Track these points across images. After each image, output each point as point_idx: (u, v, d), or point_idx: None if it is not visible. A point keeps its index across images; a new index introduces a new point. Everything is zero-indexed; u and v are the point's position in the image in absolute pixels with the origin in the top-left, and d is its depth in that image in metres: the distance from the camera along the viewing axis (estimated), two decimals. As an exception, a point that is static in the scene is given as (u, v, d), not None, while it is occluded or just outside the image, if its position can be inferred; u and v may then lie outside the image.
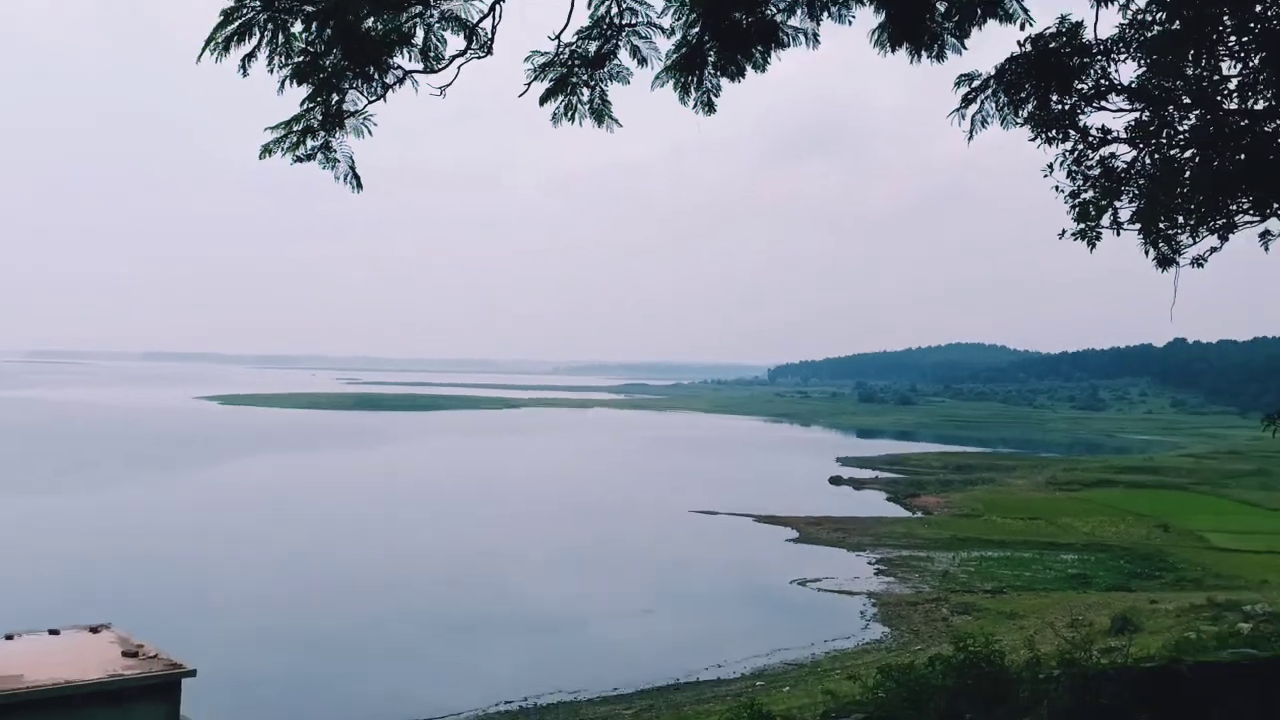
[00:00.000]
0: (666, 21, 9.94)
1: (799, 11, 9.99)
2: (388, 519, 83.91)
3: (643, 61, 10.11)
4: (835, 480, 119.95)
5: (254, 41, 8.53)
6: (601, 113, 10.29)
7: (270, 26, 8.53)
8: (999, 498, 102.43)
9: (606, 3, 9.77)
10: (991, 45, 11.92)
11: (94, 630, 21.24)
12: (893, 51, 10.34)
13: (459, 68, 9.64)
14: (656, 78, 10.21)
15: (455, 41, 9.57)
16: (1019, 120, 11.81)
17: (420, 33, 9.40)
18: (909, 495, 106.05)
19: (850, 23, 10.18)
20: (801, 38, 10.03)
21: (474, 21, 9.46)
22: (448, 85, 9.64)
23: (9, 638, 19.82)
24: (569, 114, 10.27)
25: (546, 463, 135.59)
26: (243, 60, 8.56)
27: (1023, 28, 10.76)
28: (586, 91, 10.20)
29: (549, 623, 53.46)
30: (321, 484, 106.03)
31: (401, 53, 9.36)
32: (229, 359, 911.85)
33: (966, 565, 69.56)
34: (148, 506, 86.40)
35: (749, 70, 10.18)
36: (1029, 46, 11.40)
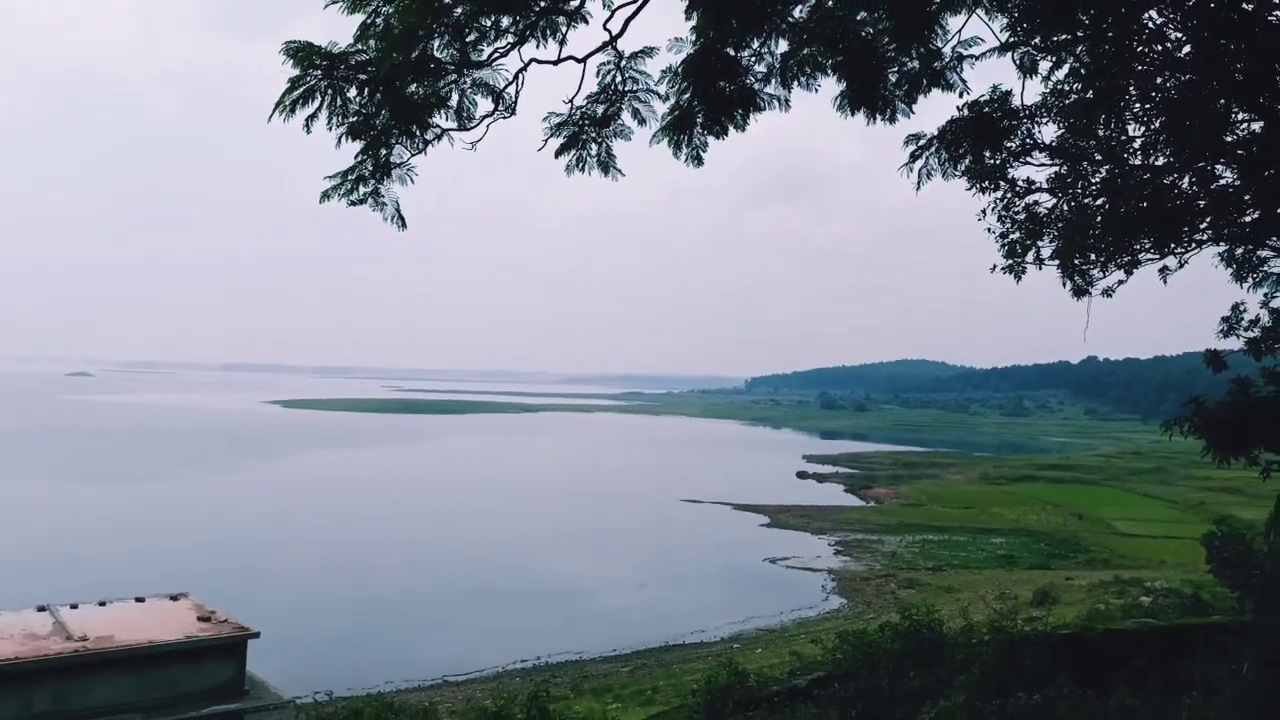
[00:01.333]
0: (662, 89, 10.01)
1: (773, 81, 10.07)
2: (421, 505, 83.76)
3: (642, 121, 10.15)
4: (801, 475, 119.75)
5: (315, 104, 8.56)
6: (607, 164, 10.33)
7: (330, 92, 8.55)
8: (940, 490, 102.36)
9: (612, 73, 9.82)
10: (935, 110, 11.97)
11: (173, 598, 21.20)
12: (852, 114, 10.39)
13: (488, 126, 9.69)
14: (654, 136, 10.23)
15: (484, 104, 9.63)
16: (958, 173, 11.86)
17: (455, 97, 9.45)
18: (864, 487, 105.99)
19: (816, 90, 10.26)
20: (775, 102, 10.10)
21: (500, 87, 9.51)
22: (478, 140, 9.67)
23: (102, 604, 19.76)
24: (580, 165, 10.30)
25: (558, 458, 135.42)
26: (306, 120, 8.57)
27: (961, 95, 10.86)
28: (595, 146, 10.24)
29: (558, 593, 53.37)
30: (366, 475, 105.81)
31: (439, 114, 9.39)
32: (293, 369, 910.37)
33: (912, 547, 69.45)
34: (221, 493, 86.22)
35: (731, 129, 10.21)
36: (966, 111, 11.46)
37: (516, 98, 9.57)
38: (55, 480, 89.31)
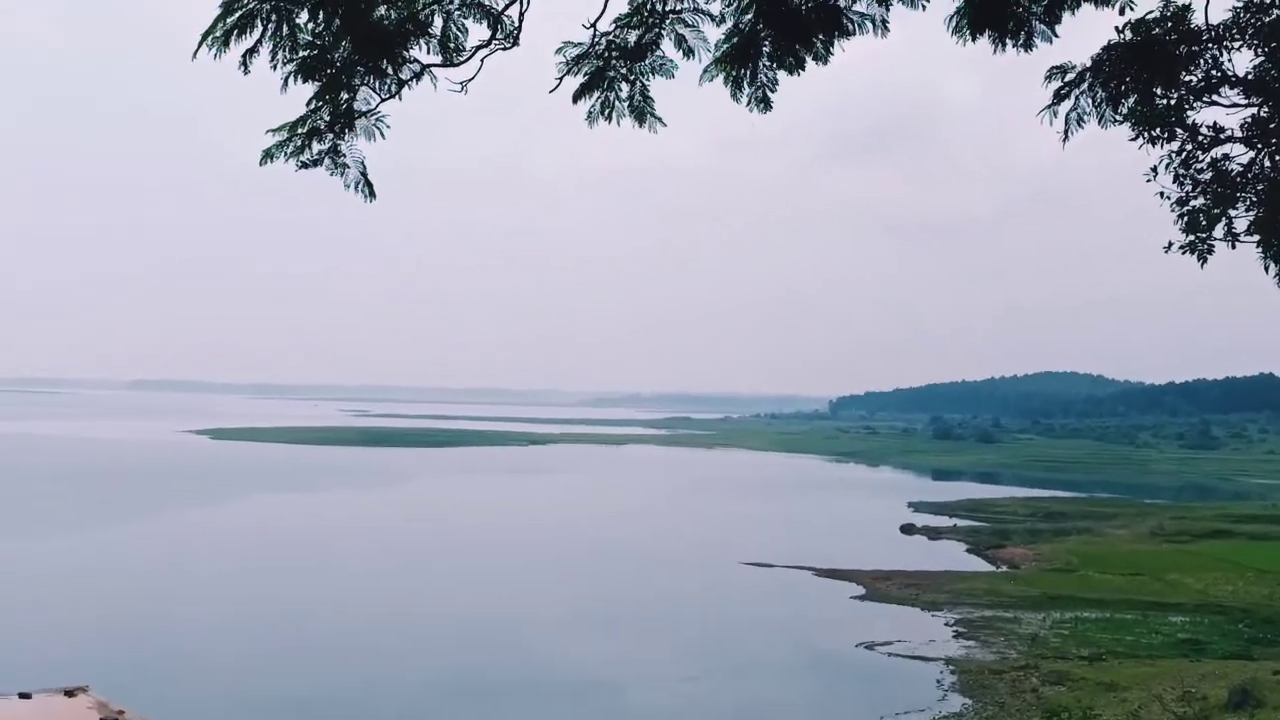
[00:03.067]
0: (715, 8, 9.96)
1: (865, -6, 9.98)
2: (393, 570, 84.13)
3: (689, 53, 10.13)
4: (907, 529, 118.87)
5: (256, 35, 8.67)
6: (642, 110, 10.32)
7: (274, 18, 8.67)
8: (1096, 550, 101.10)
9: (649, -15, 9.82)
10: (1086, 32, 11.82)
11: (70, 693, 21.52)
12: (973, 40, 10.28)
13: (482, 60, 9.71)
14: (705, 71, 10.20)
15: (477, 31, 9.64)
16: (1118, 117, 11.66)
17: (439, 22, 9.49)
18: (992, 546, 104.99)
19: (924, 8, 10.09)
20: (868, 24, 9.98)
21: (499, 8, 9.53)
22: (470, 80, 9.71)
23: (-26, 701, 20.09)
24: (606, 112, 10.30)
25: (576, 506, 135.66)
26: (243, 56, 8.70)
27: (1122, 12, 10.65)
28: (626, 87, 10.23)
29: (576, 688, 53.30)
30: (320, 531, 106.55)
31: (418, 44, 9.44)
32: (222, 388, 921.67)
33: (1059, 628, 68.66)
34: (129, 553, 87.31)
35: (809, 61, 10.17)
36: (1129, 33, 11.28)
37: (520, 22, 9.61)
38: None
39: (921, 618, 71.51)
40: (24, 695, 20.31)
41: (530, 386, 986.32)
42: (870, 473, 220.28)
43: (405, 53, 9.33)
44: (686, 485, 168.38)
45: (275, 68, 8.90)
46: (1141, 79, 11.50)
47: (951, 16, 10.23)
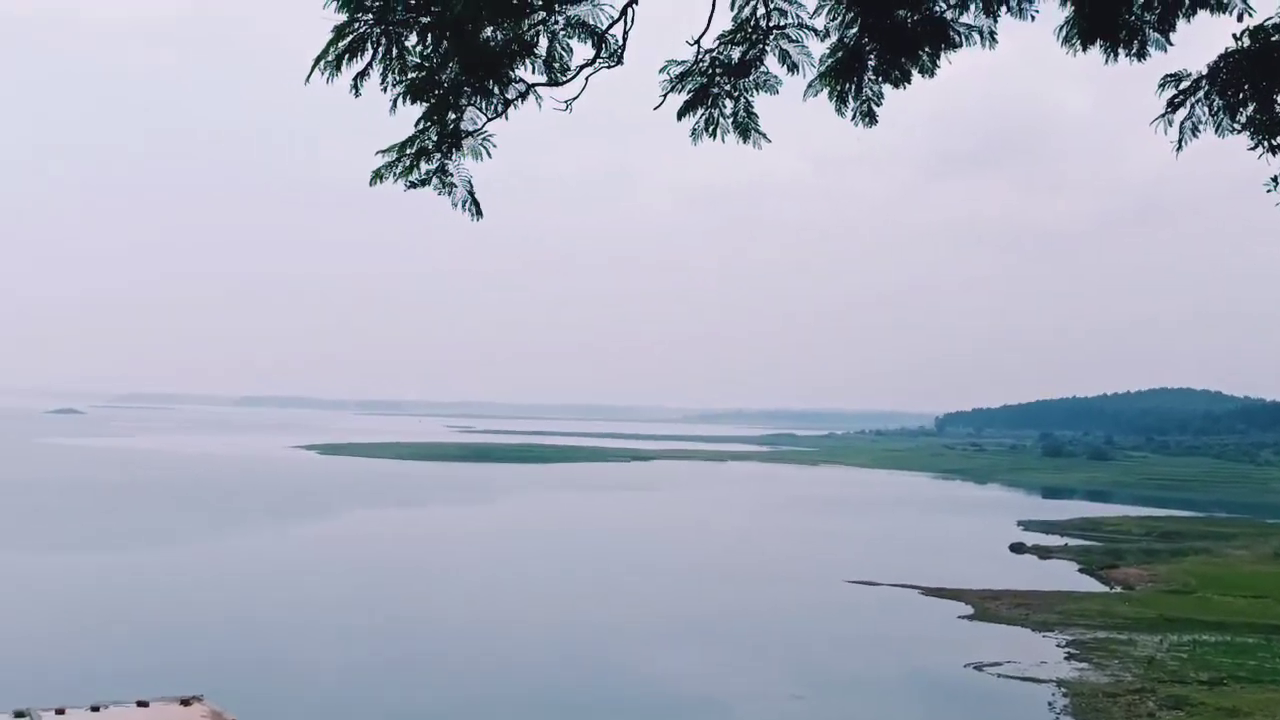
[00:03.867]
0: (820, 22, 9.95)
1: (972, 7, 9.90)
2: (496, 583, 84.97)
3: (793, 68, 10.14)
4: (1017, 547, 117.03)
5: (367, 58, 8.88)
6: (746, 126, 10.36)
7: (384, 41, 8.87)
8: (1216, 571, 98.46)
9: (752, 3, 9.85)
10: (1201, 39, 11.59)
11: (185, 703, 22.07)
12: (1084, 50, 10.15)
13: (586, 79, 9.82)
14: (809, 86, 10.22)
15: (581, 50, 9.76)
16: (1235, 125, 11.42)
17: (544, 42, 9.61)
18: (1105, 566, 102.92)
19: (1033, 18, 10.03)
20: (976, 36, 9.93)
21: (603, 27, 9.62)
22: (574, 98, 9.84)
23: (95, 709, 20.72)
24: (710, 129, 10.35)
25: (678, 522, 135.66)
26: (355, 79, 8.91)
27: (1240, 18, 10.44)
28: (730, 103, 10.28)
29: (683, 705, 53.27)
30: (425, 543, 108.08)
31: (524, 64, 9.58)
32: (330, 404, 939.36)
33: (1177, 651, 66.91)
34: (243, 565, 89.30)
35: (915, 75, 10.13)
36: (1248, 40, 11.06)
37: (624, 41, 9.69)
38: (27, 549, 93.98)
39: (1032, 638, 70.25)
40: (141, 704, 20.89)
41: (633, 403, 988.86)
42: (978, 490, 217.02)
43: (511, 73, 9.48)
44: (789, 502, 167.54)
45: (385, 90, 9.10)
46: (1261, 86, 11.24)
47: (1061, 27, 10.11)
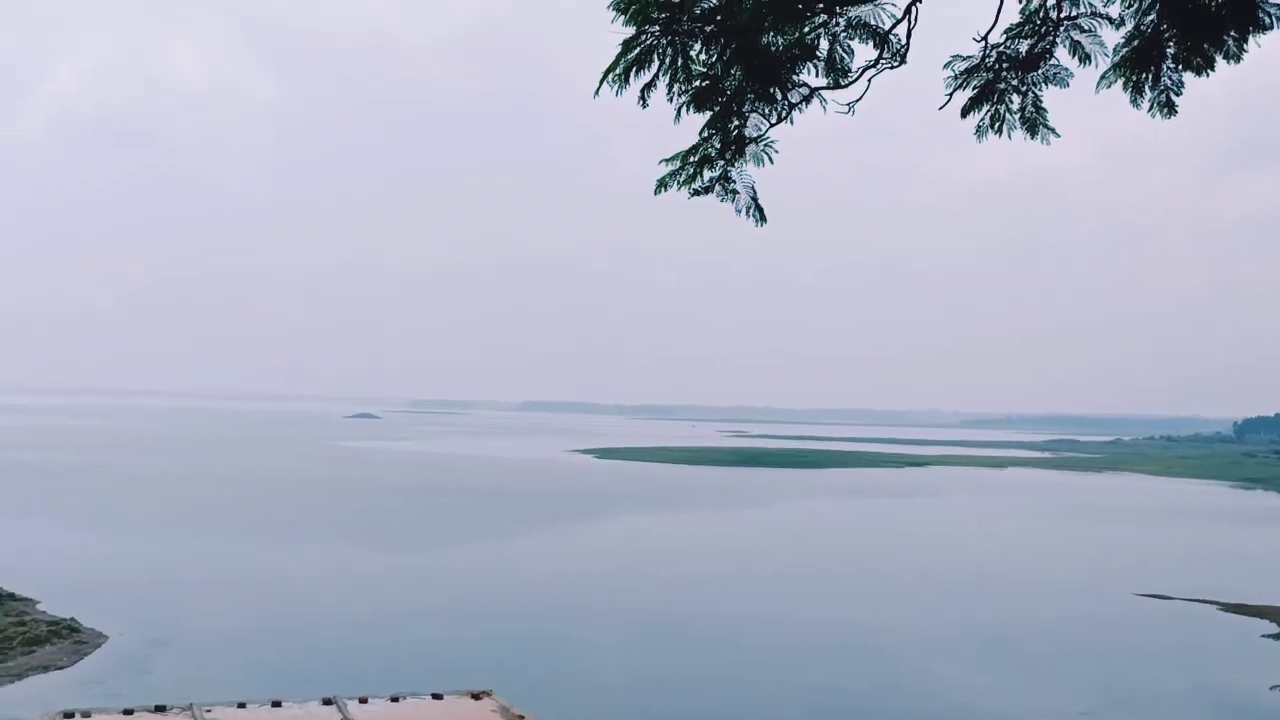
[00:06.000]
0: (1114, 10, 9.61)
1: (1285, -16, 9.30)
2: (773, 590, 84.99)
3: (1085, 59, 9.83)
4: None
5: (654, 69, 9.09)
6: (1034, 122, 10.11)
7: (670, 51, 9.06)
8: None
9: (1042, -6, 9.58)
10: None
11: (475, 697, 23.07)
12: None
13: (869, 80, 9.78)
14: (1102, 77, 9.86)
15: (863, 51, 9.72)
16: None
17: (824, 44, 9.61)
18: None
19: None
20: (1288, 15, 9.33)
21: (885, 27, 9.56)
22: (857, 100, 9.79)
23: (395, 699, 21.95)
24: (996, 125, 10.15)
25: (955, 529, 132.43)
26: (642, 90, 9.14)
27: None
28: (1016, 98, 10.05)
29: None
30: (703, 547, 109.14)
31: (806, 68, 9.60)
32: (605, 409, 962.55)
33: None
34: (527, 565, 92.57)
35: (1219, 60, 9.61)
36: None
37: (908, 40, 9.61)
38: (329, 544, 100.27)
39: (1348, 662, 65.19)
40: (436, 696, 21.94)
41: (907, 407, 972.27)
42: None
43: (794, 77, 9.52)
44: (1073, 511, 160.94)
45: (671, 99, 9.30)
46: None
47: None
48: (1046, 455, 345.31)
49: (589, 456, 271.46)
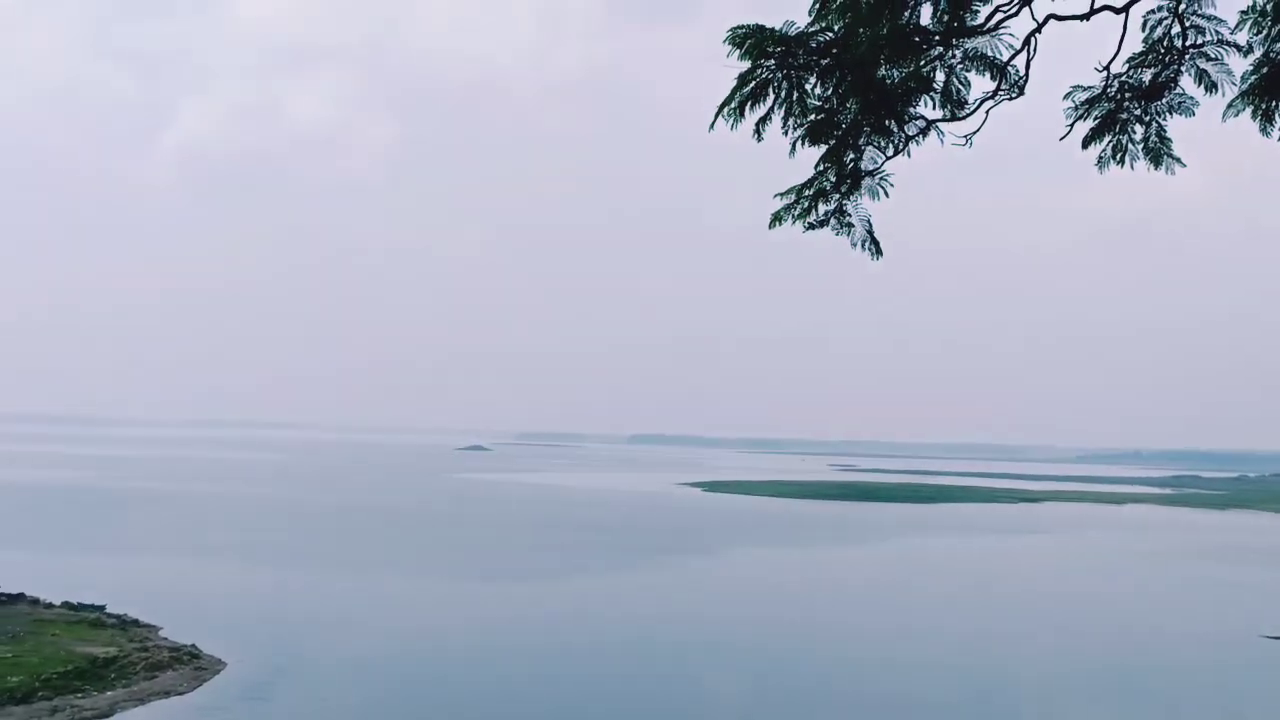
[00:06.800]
0: (1242, 37, 9.34)
1: None
2: (891, 629, 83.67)
3: (1210, 88, 9.57)
4: None
5: (769, 103, 9.06)
6: (1159, 152, 9.87)
7: (785, 85, 9.02)
8: None
9: (1166, 22, 9.36)
10: None
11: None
12: None
13: (987, 111, 9.64)
14: (1229, 105, 9.59)
15: (980, 83, 9.59)
16: None
17: (941, 76, 9.51)
18: None
19: None
20: None
21: (1004, 59, 9.43)
22: (974, 132, 9.66)
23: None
24: (1118, 156, 9.94)
25: (1070, 568, 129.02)
26: (757, 124, 9.11)
27: None
28: (1140, 128, 9.82)
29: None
30: (815, 587, 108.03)
31: (922, 100, 9.50)
32: (714, 442, 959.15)
33: None
34: (640, 602, 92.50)
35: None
36: None
37: (1027, 71, 9.46)
38: (447, 578, 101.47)
39: None
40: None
41: (1021, 442, 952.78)
42: None
43: (910, 109, 9.43)
44: (1196, 550, 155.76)
45: (786, 133, 9.25)
46: None
47: None
48: (1167, 492, 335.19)
49: (697, 490, 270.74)
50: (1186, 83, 9.67)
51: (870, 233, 9.77)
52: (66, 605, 73.23)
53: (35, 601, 73.83)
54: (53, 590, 77.13)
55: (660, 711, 55.31)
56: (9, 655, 57.46)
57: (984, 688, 64.39)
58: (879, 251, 9.85)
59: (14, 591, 74.58)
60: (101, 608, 73.06)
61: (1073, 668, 70.72)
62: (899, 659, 71.08)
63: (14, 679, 53.11)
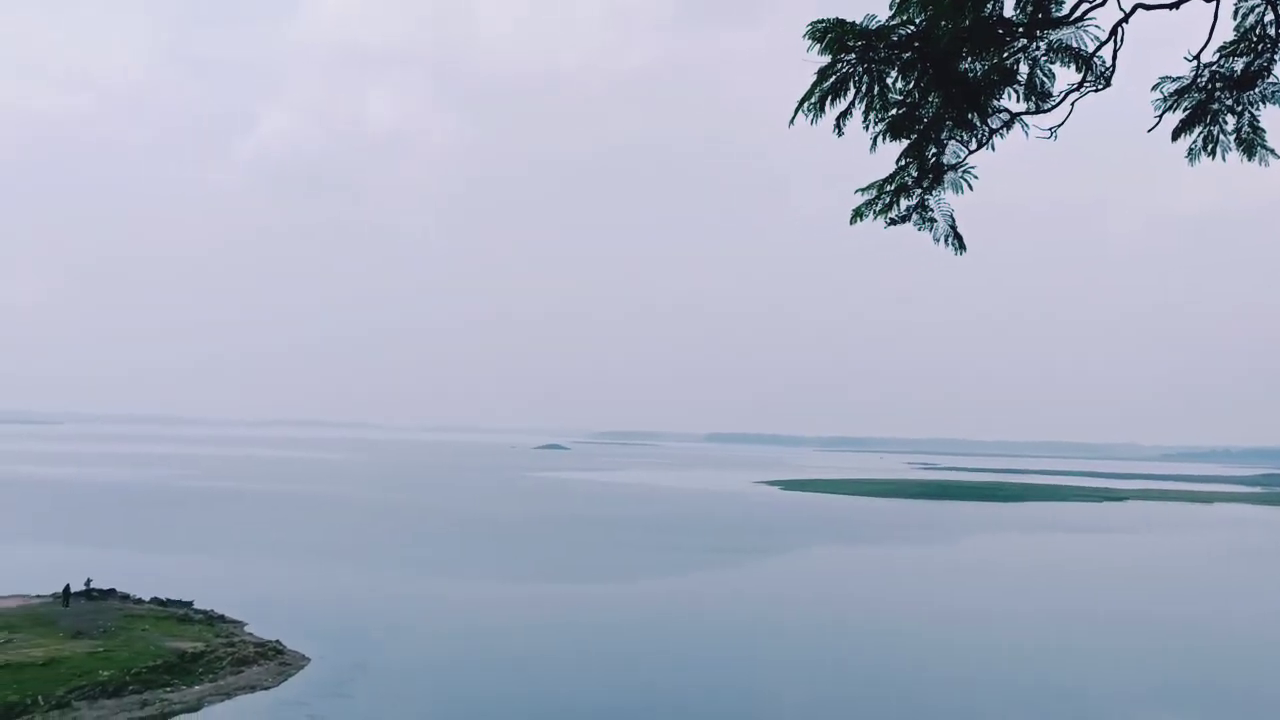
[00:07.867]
0: (1341, 23, 9.06)
1: None
2: (968, 631, 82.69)
3: (1308, 75, 9.30)
4: None
5: (849, 97, 8.96)
6: (1251, 143, 9.58)
7: (866, 79, 8.92)
8: None
9: (1260, 10, 9.10)
10: None
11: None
12: None
13: (1072, 104, 9.47)
14: (1328, 94, 9.32)
15: (1065, 75, 9.42)
16: None
17: (1025, 69, 9.36)
18: None
19: None
20: None
21: (1089, 50, 9.24)
22: (1059, 125, 9.48)
23: None
24: (1209, 148, 9.68)
25: (1160, 568, 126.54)
26: (837, 119, 9.02)
27: None
28: (1232, 119, 9.56)
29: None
30: (887, 585, 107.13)
31: (1005, 93, 9.35)
32: (794, 441, 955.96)
33: None
34: (718, 603, 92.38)
35: None
36: None
37: (1113, 62, 9.25)
38: (528, 579, 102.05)
39: None
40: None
41: (1105, 439, 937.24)
42: None
43: (993, 102, 9.28)
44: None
45: (866, 128, 9.15)
46: None
47: None
48: (1257, 490, 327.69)
49: (774, 488, 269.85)
50: (1280, 72, 9.39)
51: (953, 227, 9.59)
52: (155, 601, 74.80)
53: (125, 597, 75.53)
54: (142, 586, 78.86)
55: (738, 713, 55.20)
56: (100, 650, 58.80)
57: (1071, 695, 63.36)
58: (962, 246, 9.68)
59: (106, 587, 76.36)
60: (189, 603, 74.54)
61: (1172, 674, 69.40)
62: (985, 664, 70.21)
63: (105, 673, 54.35)
